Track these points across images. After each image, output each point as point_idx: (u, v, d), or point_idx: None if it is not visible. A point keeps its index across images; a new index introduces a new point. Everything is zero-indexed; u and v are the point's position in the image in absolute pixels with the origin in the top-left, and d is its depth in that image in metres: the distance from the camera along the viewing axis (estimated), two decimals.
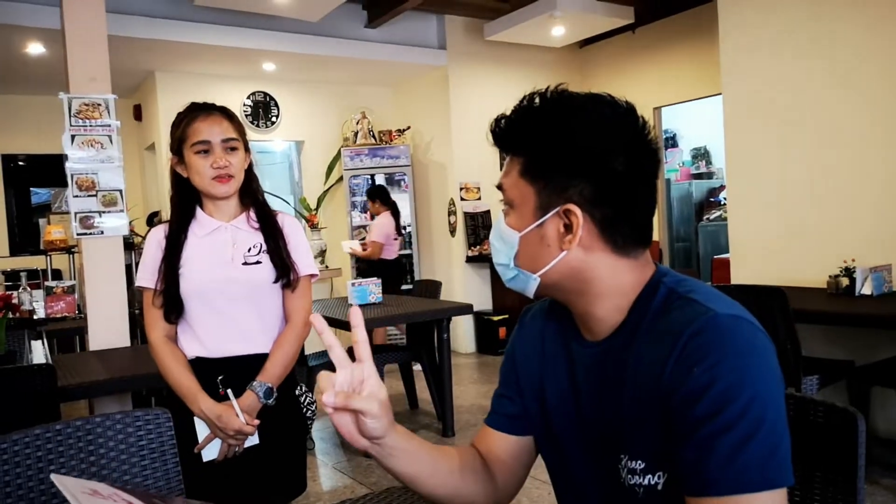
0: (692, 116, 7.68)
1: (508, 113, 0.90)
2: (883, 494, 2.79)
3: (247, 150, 1.79)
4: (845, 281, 3.26)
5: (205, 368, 1.71)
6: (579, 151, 0.85)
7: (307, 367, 3.86)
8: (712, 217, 7.43)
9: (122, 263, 3.25)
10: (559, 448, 0.97)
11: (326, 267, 6.36)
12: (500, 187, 0.93)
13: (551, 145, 0.86)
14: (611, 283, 0.89)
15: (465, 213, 6.25)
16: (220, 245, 1.74)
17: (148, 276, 1.73)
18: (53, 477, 0.74)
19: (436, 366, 4.08)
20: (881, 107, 3.41)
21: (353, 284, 4.12)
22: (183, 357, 1.72)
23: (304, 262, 1.81)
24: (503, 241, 0.92)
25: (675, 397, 0.80)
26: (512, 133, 0.90)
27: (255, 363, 1.73)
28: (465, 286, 6.30)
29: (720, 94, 4.16)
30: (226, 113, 1.76)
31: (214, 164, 1.69)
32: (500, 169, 0.95)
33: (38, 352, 2.48)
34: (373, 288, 4.12)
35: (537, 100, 0.88)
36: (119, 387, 2.42)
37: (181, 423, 1.46)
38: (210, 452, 1.69)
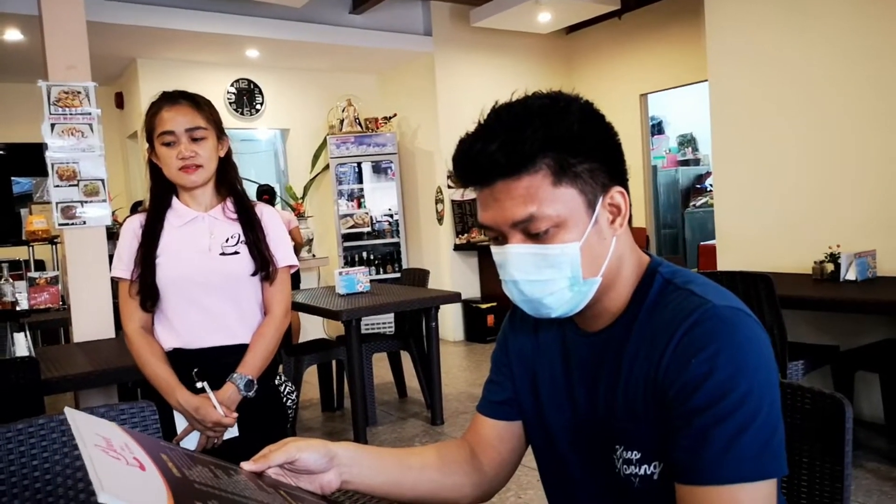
0: (678, 103, 7.69)
1: (483, 138, 0.82)
2: (867, 478, 2.83)
3: (220, 138, 1.75)
4: (830, 267, 3.28)
5: (182, 360, 1.70)
6: (599, 132, 0.86)
7: (294, 359, 3.84)
8: (699, 204, 7.47)
9: (105, 254, 3.21)
10: (550, 438, 0.97)
11: (314, 256, 6.33)
12: (526, 220, 0.82)
13: (579, 133, 0.82)
14: (630, 262, 0.89)
15: (453, 202, 6.23)
16: (197, 235, 1.72)
17: (123, 266, 1.71)
18: (67, 410, 0.72)
19: (424, 354, 4.08)
20: (867, 94, 3.42)
21: (340, 273, 4.10)
22: (160, 349, 1.71)
23: (283, 253, 1.80)
24: (558, 266, 0.83)
25: (673, 388, 0.80)
26: (526, 143, 0.80)
27: (233, 354, 1.71)
28: (452, 274, 6.29)
29: (706, 80, 4.16)
30: (194, 101, 1.72)
31: (179, 155, 1.66)
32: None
33: (21, 344, 2.45)
34: (360, 277, 4.11)
35: (518, 107, 0.83)
36: (104, 379, 2.39)
37: (160, 414, 1.45)
38: (188, 444, 1.68)
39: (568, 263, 0.83)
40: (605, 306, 0.89)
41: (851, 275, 3.18)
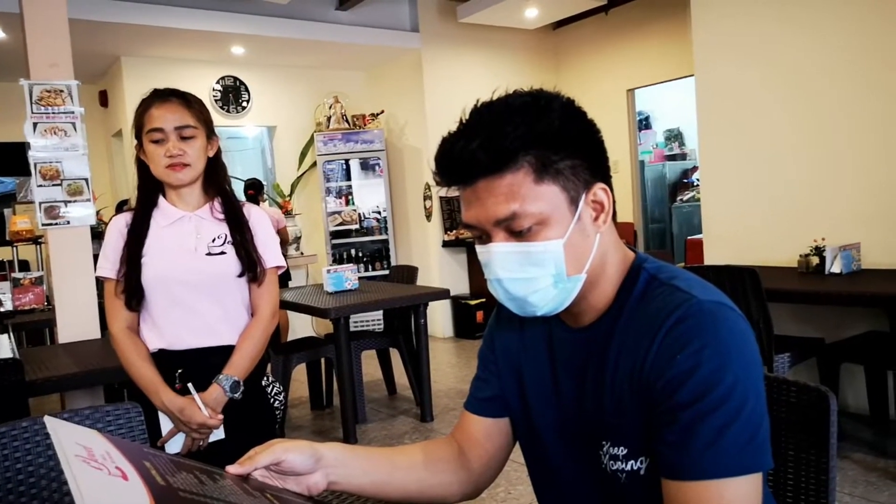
0: (665, 98, 7.71)
1: (465, 136, 0.81)
2: (853, 469, 2.86)
3: (210, 138, 1.74)
4: (815, 260, 3.31)
5: (168, 361, 1.68)
6: (581, 128, 0.85)
7: (282, 358, 3.82)
8: (686, 198, 7.50)
9: (89, 254, 3.18)
10: (537, 434, 0.97)
11: (302, 254, 6.30)
12: (508, 218, 0.81)
13: (560, 130, 0.82)
14: (614, 258, 0.89)
15: (441, 198, 6.23)
16: (183, 235, 1.71)
17: (109, 265, 1.69)
18: (46, 419, 0.71)
19: (413, 351, 4.07)
20: (854, 87, 3.45)
21: (328, 271, 4.08)
22: (145, 349, 1.69)
23: (271, 254, 1.79)
24: (541, 264, 0.83)
25: (659, 383, 0.80)
26: (507, 141, 0.80)
27: (219, 355, 1.70)
28: (441, 271, 6.29)
29: (693, 75, 4.17)
30: (185, 99, 1.70)
31: (167, 153, 1.65)
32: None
33: (4, 346, 2.41)
34: (349, 274, 4.10)
35: (499, 105, 0.83)
36: (89, 380, 2.37)
37: (146, 416, 1.44)
38: (173, 446, 1.66)
39: (552, 261, 0.83)
40: (591, 303, 0.89)
41: (836, 268, 3.20)
